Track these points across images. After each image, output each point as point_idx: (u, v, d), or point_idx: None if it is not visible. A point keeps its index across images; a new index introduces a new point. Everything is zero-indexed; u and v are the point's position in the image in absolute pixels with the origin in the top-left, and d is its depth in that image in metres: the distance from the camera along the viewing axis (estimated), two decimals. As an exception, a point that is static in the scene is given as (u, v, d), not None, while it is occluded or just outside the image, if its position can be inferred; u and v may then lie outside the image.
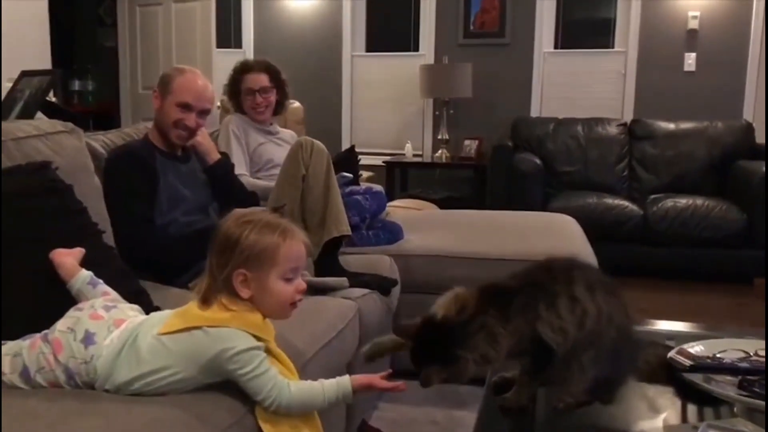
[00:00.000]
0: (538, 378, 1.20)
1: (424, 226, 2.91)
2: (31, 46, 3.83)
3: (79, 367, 1.25)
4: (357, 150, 3.37)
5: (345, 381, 1.31)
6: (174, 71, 2.14)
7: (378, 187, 2.85)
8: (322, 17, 5.54)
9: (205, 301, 1.27)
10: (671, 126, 4.59)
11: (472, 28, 5.21)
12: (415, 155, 5.30)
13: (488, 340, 1.14)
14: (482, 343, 1.14)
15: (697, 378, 1.23)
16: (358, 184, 2.95)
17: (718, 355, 1.31)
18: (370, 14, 5.61)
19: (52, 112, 2.87)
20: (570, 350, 1.14)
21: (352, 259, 2.30)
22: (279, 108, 2.92)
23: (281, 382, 1.24)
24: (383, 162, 5.12)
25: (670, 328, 1.78)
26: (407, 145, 5.27)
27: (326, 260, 2.18)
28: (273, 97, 2.85)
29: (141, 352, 1.24)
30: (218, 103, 3.05)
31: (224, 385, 1.28)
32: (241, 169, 2.59)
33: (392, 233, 2.66)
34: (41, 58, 3.89)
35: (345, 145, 5.34)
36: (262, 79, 2.82)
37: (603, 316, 1.16)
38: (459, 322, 1.15)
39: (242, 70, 2.87)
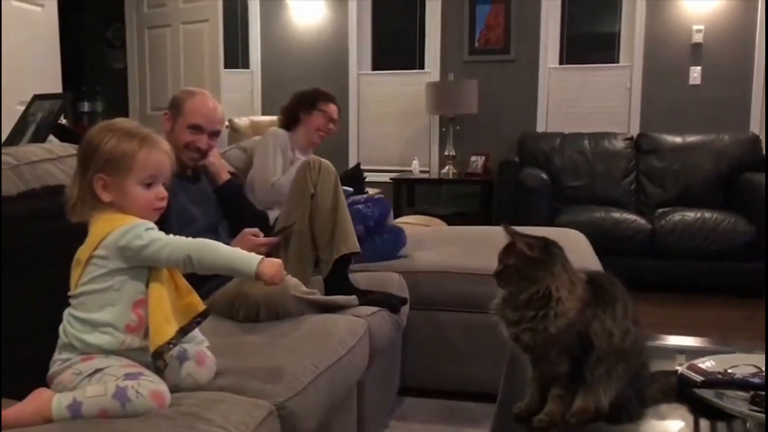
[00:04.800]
0: (571, 390, 1.21)
1: (432, 243, 2.92)
2: (42, 69, 3.89)
3: None
4: (364, 167, 3.40)
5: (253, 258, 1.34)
6: (185, 94, 2.17)
7: (378, 194, 2.86)
8: (329, 37, 5.59)
9: (73, 211, 1.33)
10: (678, 139, 4.60)
11: (477, 45, 5.25)
12: (422, 171, 5.32)
13: (569, 280, 1.20)
14: (565, 280, 1.20)
15: (708, 394, 1.23)
16: None
17: (729, 371, 1.31)
18: (376, 33, 5.67)
19: (63, 134, 2.90)
20: (608, 357, 1.18)
21: (361, 277, 2.31)
22: None
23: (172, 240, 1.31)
24: (390, 179, 5.14)
25: (679, 342, 1.78)
26: (414, 161, 5.30)
27: (336, 278, 2.19)
28: (334, 132, 2.99)
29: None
30: (227, 123, 3.08)
31: (243, 388, 1.33)
32: (277, 175, 2.68)
33: (396, 235, 2.69)
34: (52, 81, 3.95)
35: (352, 163, 5.37)
36: (337, 113, 2.98)
37: (639, 339, 1.21)
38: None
39: (328, 98, 2.96)
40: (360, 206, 2.64)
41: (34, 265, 1.46)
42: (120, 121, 1.39)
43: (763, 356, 1.36)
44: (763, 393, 1.18)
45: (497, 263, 1.25)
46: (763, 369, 1.30)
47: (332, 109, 2.95)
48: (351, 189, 2.76)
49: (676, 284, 4.08)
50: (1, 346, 1.38)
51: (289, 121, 2.92)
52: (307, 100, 2.94)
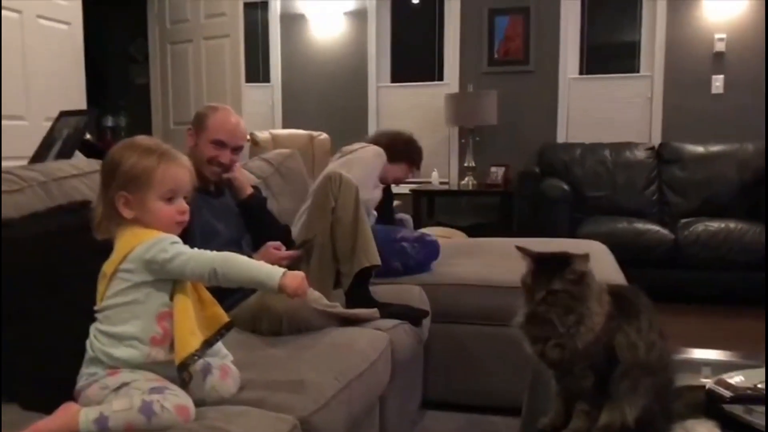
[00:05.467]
0: (597, 405, 1.19)
1: (453, 255, 2.91)
2: (68, 86, 3.96)
3: None
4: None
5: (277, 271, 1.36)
6: (207, 110, 2.19)
7: (432, 236, 2.76)
8: (348, 50, 5.63)
9: (99, 228, 1.36)
10: (700, 149, 4.56)
11: (496, 56, 5.25)
12: (441, 183, 5.32)
13: (599, 294, 1.19)
14: (596, 293, 1.19)
15: (738, 410, 1.22)
16: (393, 221, 2.99)
17: (758, 386, 1.29)
18: (395, 45, 5.69)
19: (88, 150, 2.95)
20: (632, 370, 1.16)
21: (382, 290, 2.31)
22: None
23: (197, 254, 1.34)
24: (410, 190, 5.15)
25: (706, 356, 1.76)
26: (433, 173, 5.30)
27: (357, 291, 2.20)
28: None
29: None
30: (248, 137, 3.11)
31: (266, 401, 1.33)
32: (370, 194, 2.70)
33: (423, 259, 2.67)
34: (77, 97, 4.02)
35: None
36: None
37: (665, 353, 1.20)
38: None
39: (420, 166, 3.13)
40: (406, 244, 2.60)
41: (62, 280, 1.49)
42: (140, 139, 1.42)
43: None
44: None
45: (534, 290, 1.19)
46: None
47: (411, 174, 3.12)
48: (375, 213, 2.77)
49: (700, 296, 4.03)
50: (0, 351, 1.41)
51: (394, 155, 2.92)
52: (415, 155, 3.08)
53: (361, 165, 2.74)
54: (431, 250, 2.67)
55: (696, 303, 3.99)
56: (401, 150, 3.00)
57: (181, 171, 1.39)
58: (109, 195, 1.35)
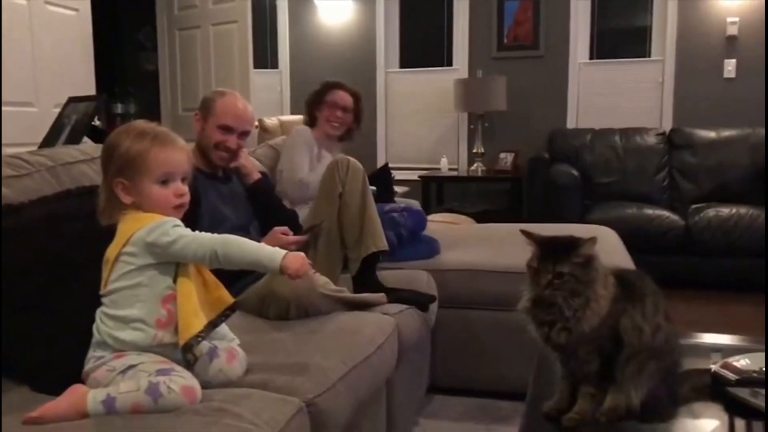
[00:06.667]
0: (602, 388, 1.19)
1: (461, 241, 2.91)
2: (76, 72, 3.96)
3: None
4: (392, 165, 3.39)
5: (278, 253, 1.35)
6: (215, 94, 2.19)
7: (416, 205, 2.83)
8: (357, 35, 5.61)
9: (103, 214, 1.37)
10: (712, 134, 4.51)
11: (505, 41, 5.21)
12: (450, 169, 5.30)
13: (604, 277, 1.20)
14: (602, 276, 1.19)
15: (743, 392, 1.21)
16: (394, 202, 2.98)
17: (764, 369, 1.28)
18: (404, 30, 5.66)
19: (97, 136, 2.96)
20: (638, 354, 1.16)
21: (389, 275, 2.32)
22: (348, 135, 2.97)
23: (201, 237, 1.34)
24: (419, 176, 5.14)
25: (714, 341, 1.76)
26: (443, 159, 5.28)
27: (364, 276, 2.20)
28: (349, 120, 2.91)
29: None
30: (256, 123, 3.11)
31: (273, 384, 1.35)
32: (303, 172, 2.67)
33: (428, 244, 2.67)
34: (86, 84, 4.03)
35: (381, 160, 5.38)
36: (348, 100, 2.90)
37: (671, 336, 1.20)
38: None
39: (334, 86, 2.94)
40: (395, 214, 2.65)
41: (70, 264, 1.50)
42: (135, 123, 1.42)
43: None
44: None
45: (540, 274, 1.20)
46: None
47: (339, 96, 2.88)
48: (374, 188, 2.75)
49: (710, 282, 4.01)
50: (1, 337, 1.43)
51: (310, 119, 2.94)
52: (315, 95, 2.94)
53: (284, 151, 2.80)
54: (418, 218, 2.74)
55: (707, 289, 3.96)
56: (306, 106, 2.94)
57: (175, 153, 1.38)
58: (108, 181, 1.36)
